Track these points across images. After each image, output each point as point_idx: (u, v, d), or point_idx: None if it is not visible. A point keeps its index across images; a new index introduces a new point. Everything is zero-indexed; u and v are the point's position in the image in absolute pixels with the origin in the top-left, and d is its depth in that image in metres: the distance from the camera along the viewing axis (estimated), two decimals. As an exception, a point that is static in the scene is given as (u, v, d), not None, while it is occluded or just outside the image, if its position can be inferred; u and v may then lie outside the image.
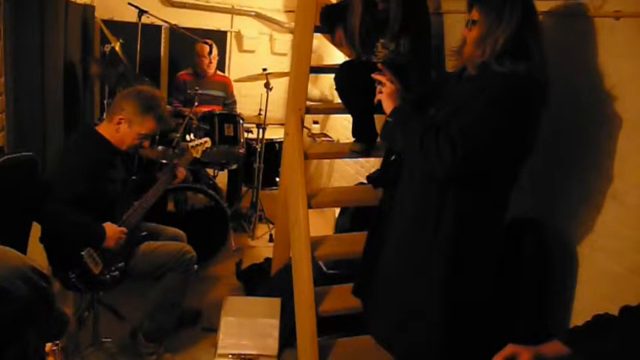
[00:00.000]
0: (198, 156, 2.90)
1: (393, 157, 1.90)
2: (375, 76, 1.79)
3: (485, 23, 1.60)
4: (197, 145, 2.89)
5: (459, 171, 1.56)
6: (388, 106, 1.73)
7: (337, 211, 3.57)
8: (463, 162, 1.52)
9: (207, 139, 2.99)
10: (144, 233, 2.44)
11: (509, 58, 1.57)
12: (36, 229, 2.15)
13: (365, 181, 3.39)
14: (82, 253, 2.16)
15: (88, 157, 2.24)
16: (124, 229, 2.27)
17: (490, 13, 1.59)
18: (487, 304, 1.71)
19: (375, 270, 1.92)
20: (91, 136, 2.33)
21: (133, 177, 2.59)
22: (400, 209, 1.80)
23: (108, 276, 2.25)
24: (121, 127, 2.28)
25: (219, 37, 4.69)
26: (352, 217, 3.21)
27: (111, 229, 2.22)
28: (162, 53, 4.73)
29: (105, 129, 2.30)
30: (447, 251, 1.66)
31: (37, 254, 2.20)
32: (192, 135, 3.41)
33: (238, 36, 4.96)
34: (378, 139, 2.63)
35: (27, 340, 1.14)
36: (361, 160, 3.80)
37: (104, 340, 2.48)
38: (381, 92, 1.77)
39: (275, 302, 2.59)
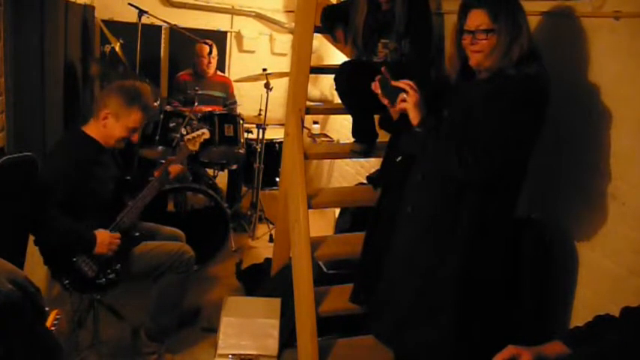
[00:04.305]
0: (195, 149, 2.74)
1: (399, 159, 1.88)
2: (398, 83, 1.72)
3: (505, 30, 1.60)
4: (194, 137, 2.71)
5: (496, 177, 1.61)
6: (415, 117, 1.67)
7: (337, 211, 3.57)
8: (500, 168, 1.58)
9: (204, 130, 2.79)
10: (137, 234, 2.39)
11: (522, 60, 1.60)
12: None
13: (365, 181, 3.39)
14: (74, 259, 2.16)
15: (70, 159, 2.20)
16: (116, 234, 2.24)
17: (508, 20, 1.60)
18: (499, 304, 1.72)
19: (378, 271, 1.91)
20: (74, 137, 2.32)
21: (128, 177, 2.57)
22: (412, 210, 1.79)
23: (103, 279, 2.23)
24: (108, 123, 2.26)
25: (219, 38, 4.69)
26: (352, 217, 3.21)
27: (102, 236, 2.19)
28: (162, 53, 4.73)
29: (91, 128, 2.29)
30: (464, 250, 1.67)
31: (36, 256, 2.20)
32: (188, 129, 3.27)
33: (238, 36, 4.96)
34: (378, 139, 2.64)
35: (9, 341, 1.14)
36: (361, 160, 3.80)
37: (104, 340, 2.48)
38: (403, 101, 1.69)
39: (275, 302, 2.59)
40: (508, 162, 1.60)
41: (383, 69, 1.77)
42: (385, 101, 1.76)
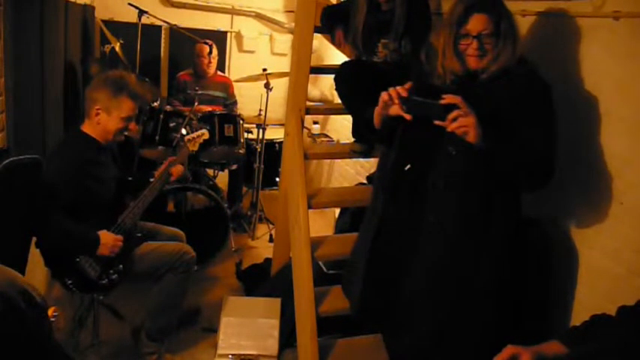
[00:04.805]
0: (194, 149, 2.74)
1: (408, 167, 1.83)
2: (449, 99, 1.54)
3: (507, 33, 1.62)
4: (193, 138, 2.72)
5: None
6: (474, 135, 1.52)
7: (337, 211, 3.57)
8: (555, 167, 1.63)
9: (203, 131, 2.78)
10: (139, 234, 2.40)
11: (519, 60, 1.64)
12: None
13: (365, 181, 3.39)
14: (77, 259, 2.16)
15: (70, 160, 2.20)
16: (119, 237, 2.24)
17: (508, 22, 1.62)
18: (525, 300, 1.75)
19: (391, 284, 1.87)
20: (74, 138, 2.31)
21: (129, 178, 2.57)
22: (436, 219, 1.73)
23: (106, 280, 2.23)
24: (101, 118, 2.24)
25: (219, 38, 4.70)
26: (352, 217, 3.21)
27: (105, 237, 2.19)
28: (162, 53, 4.74)
29: (87, 127, 2.28)
30: (498, 252, 1.67)
31: (36, 257, 2.20)
32: (188, 129, 3.28)
33: (238, 36, 4.96)
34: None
35: (12, 345, 1.14)
36: (361, 160, 3.80)
37: (104, 340, 2.48)
38: (455, 120, 1.53)
39: (275, 302, 2.59)
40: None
41: (408, 85, 1.62)
42: (396, 111, 1.63)
